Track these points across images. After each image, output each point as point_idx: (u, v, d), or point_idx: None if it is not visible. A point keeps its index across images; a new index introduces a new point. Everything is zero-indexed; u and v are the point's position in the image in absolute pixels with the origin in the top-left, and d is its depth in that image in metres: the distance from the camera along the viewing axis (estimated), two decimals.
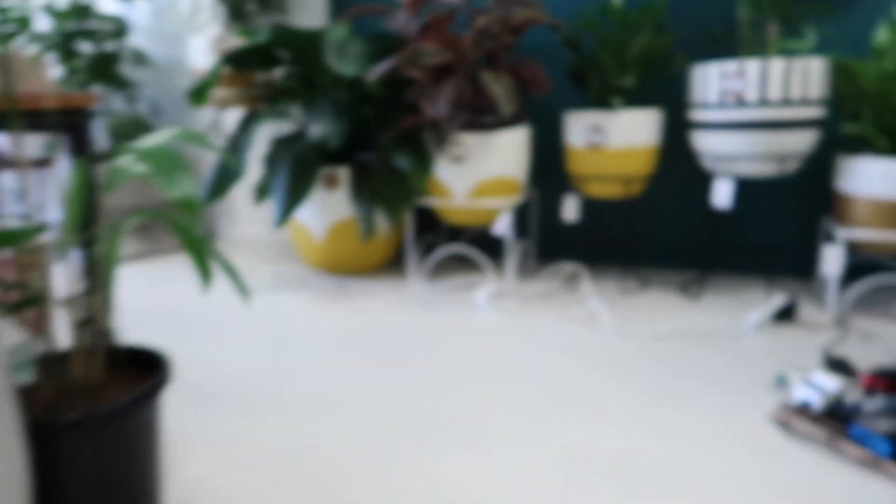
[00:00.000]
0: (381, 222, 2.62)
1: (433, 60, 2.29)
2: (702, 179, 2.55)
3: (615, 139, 2.32)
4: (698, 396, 1.59)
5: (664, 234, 2.69)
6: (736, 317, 2.13)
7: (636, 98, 2.43)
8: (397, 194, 2.51)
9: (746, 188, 2.51)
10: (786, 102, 2.04)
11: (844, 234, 2.14)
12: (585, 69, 2.39)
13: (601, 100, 2.38)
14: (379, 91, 2.49)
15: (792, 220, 2.49)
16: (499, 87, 2.27)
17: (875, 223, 2.08)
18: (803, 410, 1.44)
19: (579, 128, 2.39)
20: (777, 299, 2.09)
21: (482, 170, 2.42)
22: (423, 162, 2.47)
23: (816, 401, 1.43)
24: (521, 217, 2.84)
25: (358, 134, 2.65)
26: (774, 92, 2.04)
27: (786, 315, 2.08)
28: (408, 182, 2.49)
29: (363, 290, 2.54)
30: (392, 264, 2.87)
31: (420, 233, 2.93)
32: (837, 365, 1.67)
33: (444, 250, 2.63)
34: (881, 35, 2.08)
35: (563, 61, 2.61)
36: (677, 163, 2.56)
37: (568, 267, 2.61)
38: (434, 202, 2.53)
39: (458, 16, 2.54)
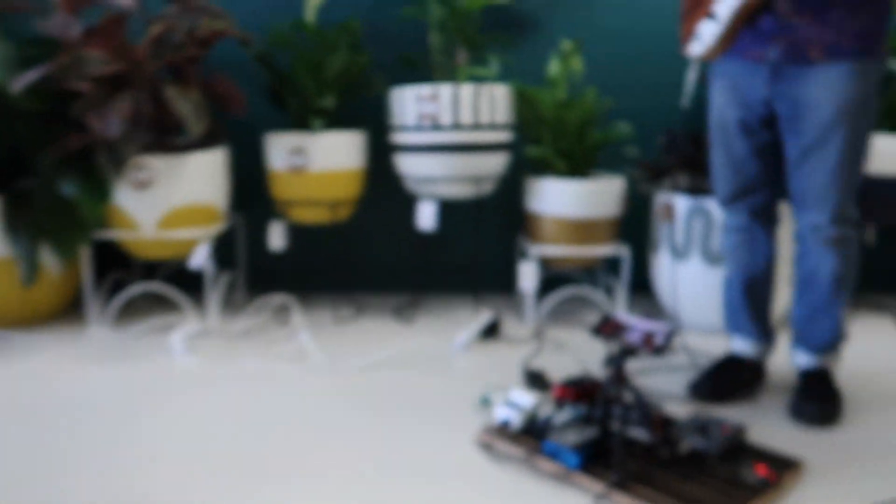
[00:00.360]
0: (50, 261, 2.19)
1: (101, 70, 1.97)
2: (410, 202, 2.56)
3: (318, 162, 2.21)
4: (407, 427, 1.51)
5: (377, 258, 2.66)
6: (447, 338, 2.14)
7: (339, 119, 2.35)
8: (66, 227, 2.12)
9: (452, 209, 2.57)
10: (476, 126, 2.11)
11: (536, 250, 2.27)
12: (283, 88, 2.25)
13: (301, 121, 2.26)
14: (30, 104, 2.07)
15: (493, 240, 2.61)
16: (185, 104, 2.03)
17: (560, 240, 2.24)
18: (503, 430, 1.44)
19: (280, 150, 2.23)
20: (483, 317, 2.15)
21: (173, 197, 2.14)
22: (99, 189, 2.11)
23: (515, 419, 1.44)
24: (226, 247, 2.60)
25: (8, 156, 2.19)
26: (466, 116, 2.10)
27: (491, 332, 2.14)
28: (79, 213, 2.11)
29: (27, 345, 2.09)
30: (69, 310, 2.43)
31: (104, 271, 2.52)
32: (535, 378, 1.73)
33: (135, 289, 2.28)
34: (553, 67, 2.26)
35: (264, 79, 2.44)
36: (385, 185, 2.54)
37: (277, 298, 2.43)
38: (117, 235, 2.18)
39: (134, 22, 2.23)
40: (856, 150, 1.46)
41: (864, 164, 1.49)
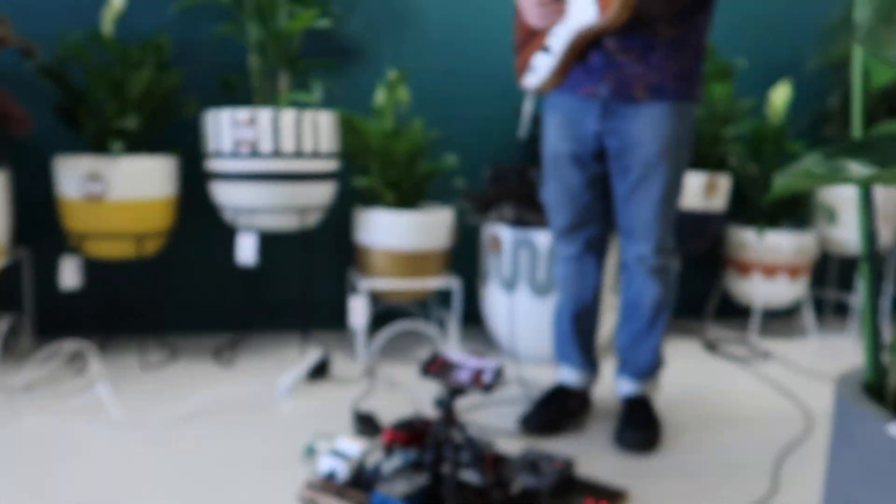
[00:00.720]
0: None
1: None
2: (229, 233, 2.37)
3: (119, 189, 1.97)
4: (223, 487, 1.34)
5: (193, 296, 2.42)
6: (272, 381, 1.98)
7: (145, 143, 2.12)
8: None
9: (277, 241, 2.42)
10: (299, 154, 1.99)
11: (366, 284, 2.18)
12: (77, 106, 1.99)
13: (99, 143, 2.01)
14: None
15: (322, 273, 2.49)
16: None
17: (391, 272, 2.17)
18: (328, 483, 1.31)
19: (73, 175, 1.97)
20: (311, 356, 2.01)
21: None
22: None
23: (341, 470, 1.33)
24: (9, 286, 2.24)
25: None
26: (287, 143, 1.97)
27: (320, 371, 2.01)
28: None
29: None
30: None
31: None
32: (365, 421, 1.62)
33: None
34: (379, 96, 2.21)
35: (55, 95, 2.15)
36: (201, 216, 2.33)
37: (71, 344, 2.12)
38: None
39: None
40: (676, 185, 1.54)
41: (680, 198, 1.58)
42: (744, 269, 2.56)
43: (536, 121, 2.12)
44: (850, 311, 2.91)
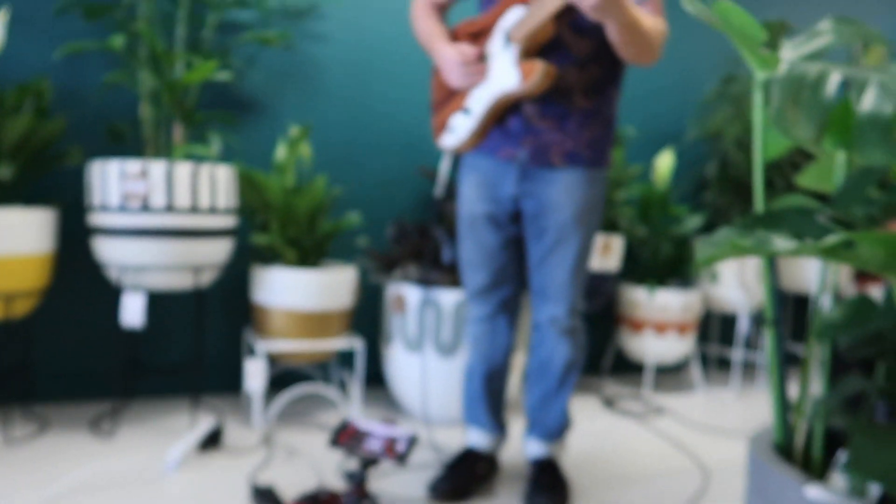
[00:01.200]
0: None
1: None
2: (114, 293, 2.20)
3: None
4: None
5: (69, 361, 2.21)
6: (159, 453, 1.81)
7: (20, 194, 1.95)
8: None
9: (167, 301, 2.26)
10: (194, 210, 1.89)
11: (264, 346, 2.08)
12: None
13: None
14: None
15: (216, 335, 2.35)
16: None
17: (291, 333, 2.08)
18: None
19: None
20: (202, 424, 1.87)
21: None
22: None
23: None
24: None
25: None
26: (182, 198, 1.87)
27: (213, 441, 1.87)
28: None
29: None
30: None
31: None
32: (265, 496, 1.51)
33: None
34: (280, 152, 2.16)
35: None
36: (82, 274, 2.16)
37: None
38: None
39: None
40: (588, 249, 1.58)
41: (590, 261, 1.62)
42: (637, 326, 2.66)
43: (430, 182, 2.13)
44: (732, 366, 3.08)
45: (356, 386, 2.22)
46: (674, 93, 2.97)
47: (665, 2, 2.46)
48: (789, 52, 0.86)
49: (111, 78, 2.04)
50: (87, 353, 2.22)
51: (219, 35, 2.24)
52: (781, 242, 0.61)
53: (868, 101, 0.66)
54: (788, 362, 3.30)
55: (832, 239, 0.56)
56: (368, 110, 2.49)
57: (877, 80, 0.67)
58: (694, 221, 2.66)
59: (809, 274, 2.85)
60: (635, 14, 1.32)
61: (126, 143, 2.14)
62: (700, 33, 2.98)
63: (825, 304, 0.91)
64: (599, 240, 2.48)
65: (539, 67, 1.40)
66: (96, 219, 1.91)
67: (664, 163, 2.68)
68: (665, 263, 2.72)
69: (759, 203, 0.89)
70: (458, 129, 1.58)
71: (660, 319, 2.62)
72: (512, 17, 1.44)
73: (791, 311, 3.30)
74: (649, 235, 2.69)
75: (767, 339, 0.89)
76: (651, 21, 1.40)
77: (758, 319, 3.11)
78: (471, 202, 1.63)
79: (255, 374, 2.04)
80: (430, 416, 2.15)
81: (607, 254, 2.52)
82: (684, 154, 3.00)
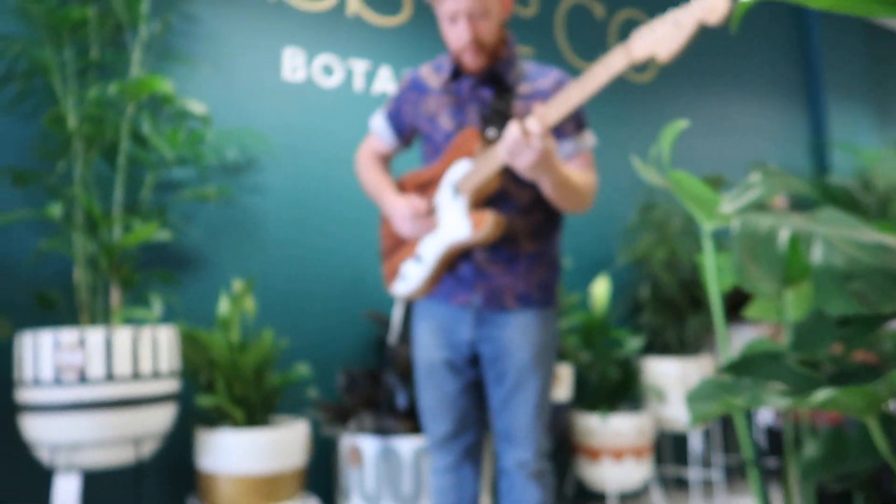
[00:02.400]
0: None
1: None
2: (44, 475, 2.02)
3: None
4: None
5: None
6: None
7: None
8: None
9: (101, 477, 2.09)
10: (136, 377, 1.80)
11: None
12: None
13: None
14: None
15: None
16: None
17: (239, 500, 1.95)
18: None
19: None
20: None
21: None
22: None
23: None
24: None
25: None
26: (122, 365, 1.78)
27: None
28: None
29: None
30: None
31: None
32: None
33: None
34: (223, 307, 2.11)
35: None
36: (7, 457, 1.98)
37: None
38: None
39: None
40: (549, 388, 1.58)
41: (550, 401, 1.62)
42: (593, 454, 2.63)
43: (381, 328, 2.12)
44: (690, 485, 3.06)
45: None
46: (600, 222, 3.13)
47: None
48: (729, 206, 0.93)
49: (46, 245, 1.99)
50: None
51: (156, 194, 2.24)
52: (776, 400, 0.63)
53: (817, 254, 0.72)
54: (741, 473, 3.31)
55: (823, 394, 0.59)
56: (310, 258, 2.49)
57: (821, 234, 0.73)
58: (635, 343, 2.73)
59: None
60: (566, 173, 1.42)
61: (58, 312, 2.05)
62: (618, 163, 3.20)
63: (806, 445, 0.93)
64: None
65: (489, 218, 1.46)
66: (26, 395, 1.78)
67: (600, 289, 2.77)
68: (614, 387, 2.75)
69: (720, 338, 0.93)
70: (411, 276, 1.60)
71: (616, 445, 2.60)
72: (459, 170, 1.51)
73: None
74: (594, 360, 2.73)
75: (751, 481, 0.90)
76: (582, 177, 1.51)
77: (707, 434, 3.14)
78: (427, 349, 1.62)
79: None
80: None
81: (557, 384, 2.52)
82: (617, 278, 3.12)
